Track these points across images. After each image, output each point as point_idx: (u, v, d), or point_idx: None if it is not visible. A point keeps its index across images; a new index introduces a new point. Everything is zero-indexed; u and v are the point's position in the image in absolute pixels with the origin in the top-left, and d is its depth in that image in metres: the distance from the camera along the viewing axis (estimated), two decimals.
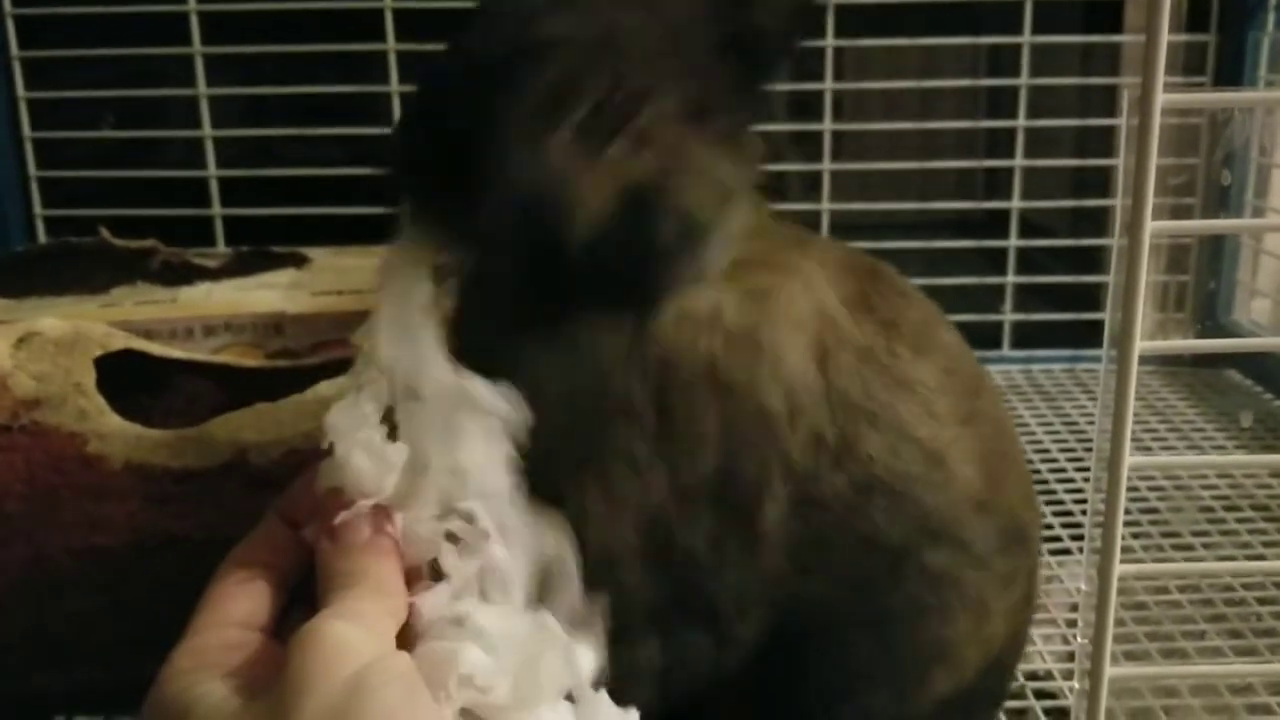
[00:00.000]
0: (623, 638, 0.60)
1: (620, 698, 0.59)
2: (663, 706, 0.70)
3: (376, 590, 0.57)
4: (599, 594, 0.60)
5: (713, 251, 0.65)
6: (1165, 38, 0.58)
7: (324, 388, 0.84)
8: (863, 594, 0.70)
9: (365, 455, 0.59)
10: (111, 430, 0.80)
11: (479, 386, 0.59)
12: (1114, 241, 0.65)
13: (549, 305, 0.64)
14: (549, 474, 0.62)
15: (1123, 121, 0.66)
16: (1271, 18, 1.62)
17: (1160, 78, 0.58)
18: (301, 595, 0.60)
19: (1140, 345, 0.62)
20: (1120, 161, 0.65)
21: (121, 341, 0.88)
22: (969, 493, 0.71)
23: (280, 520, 0.63)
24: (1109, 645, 0.68)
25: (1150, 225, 0.59)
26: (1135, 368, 0.62)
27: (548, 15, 0.60)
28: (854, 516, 0.69)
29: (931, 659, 0.72)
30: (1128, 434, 0.63)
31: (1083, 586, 0.79)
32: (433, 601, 0.58)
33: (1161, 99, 0.57)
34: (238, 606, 0.58)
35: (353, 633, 0.53)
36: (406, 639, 0.57)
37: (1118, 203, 0.66)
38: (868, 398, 0.69)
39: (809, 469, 0.68)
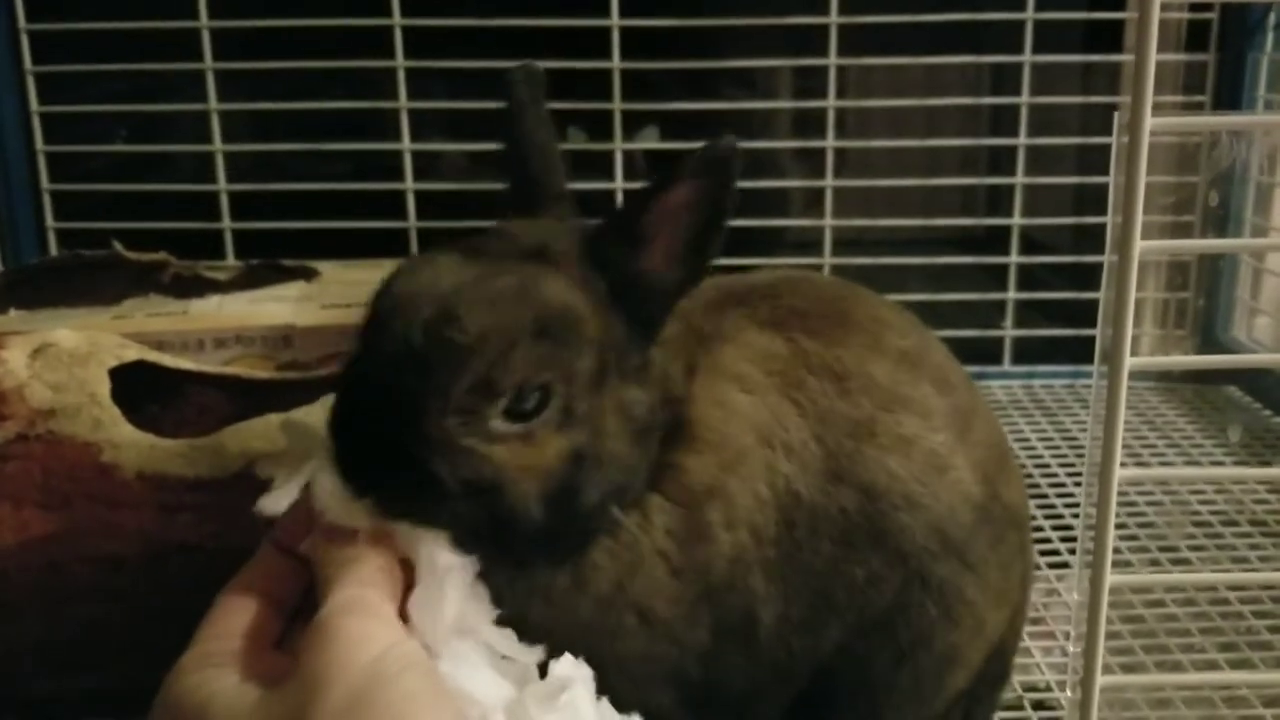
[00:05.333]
0: None
1: None
2: None
3: (375, 575, 0.59)
4: None
5: (639, 485, 0.69)
6: (1154, 60, 0.59)
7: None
8: (874, 625, 0.73)
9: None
10: (125, 440, 0.81)
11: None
12: (1105, 259, 0.67)
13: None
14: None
15: (1114, 141, 0.67)
16: (1270, 38, 1.64)
17: (1149, 99, 0.59)
18: (300, 620, 0.62)
19: (1130, 361, 0.63)
20: (1111, 180, 0.67)
21: (135, 353, 0.89)
22: (967, 496, 0.74)
23: (276, 549, 0.65)
24: (1100, 652, 0.70)
25: (1140, 244, 0.60)
26: (1125, 382, 0.63)
27: (461, 316, 0.61)
28: (845, 565, 0.72)
29: (945, 665, 0.75)
30: (1118, 446, 0.65)
31: (1076, 597, 0.80)
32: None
33: (1150, 122, 0.58)
34: (241, 620, 0.60)
35: (365, 621, 0.55)
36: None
37: (1108, 220, 0.67)
38: (838, 458, 0.72)
39: (787, 551, 0.71)
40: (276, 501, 0.64)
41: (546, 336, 0.62)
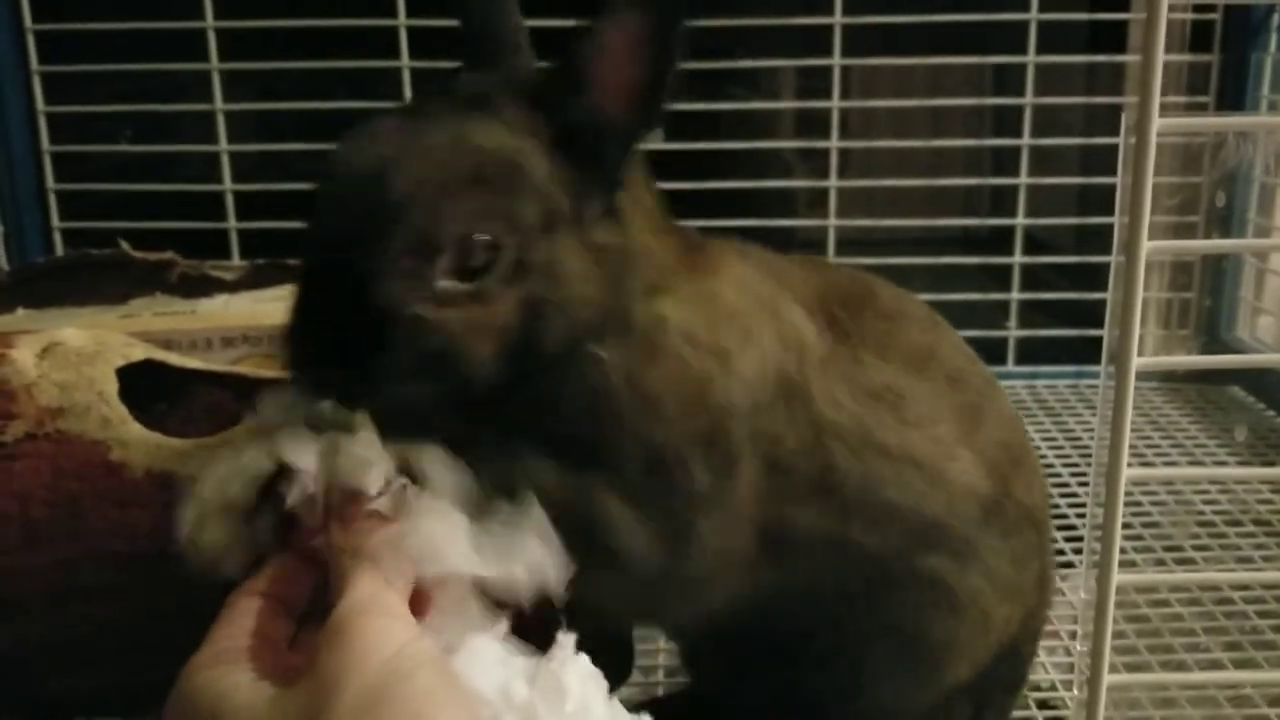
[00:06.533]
0: None
1: None
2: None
3: (391, 574, 0.59)
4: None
5: (617, 321, 0.66)
6: (1161, 62, 0.59)
7: None
8: (859, 599, 0.73)
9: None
10: (133, 438, 0.81)
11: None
12: (1112, 259, 0.67)
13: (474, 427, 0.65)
14: None
15: (1121, 141, 0.67)
16: (1274, 38, 1.64)
17: (1156, 100, 0.59)
18: (311, 622, 0.62)
19: (1137, 361, 0.63)
20: (1119, 180, 0.67)
21: (142, 352, 0.89)
22: (971, 489, 0.74)
23: (285, 550, 0.65)
24: (1107, 652, 0.70)
25: (1146, 244, 0.60)
26: (1132, 382, 0.64)
27: (390, 174, 0.59)
28: (835, 532, 0.72)
29: (940, 651, 0.75)
30: (1125, 446, 0.65)
31: (1083, 596, 0.80)
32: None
33: (1157, 123, 0.58)
34: (254, 621, 0.60)
35: (382, 620, 0.55)
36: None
37: (1115, 221, 0.68)
38: (847, 418, 0.72)
39: (786, 465, 0.70)
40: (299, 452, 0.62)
41: (483, 184, 0.61)
